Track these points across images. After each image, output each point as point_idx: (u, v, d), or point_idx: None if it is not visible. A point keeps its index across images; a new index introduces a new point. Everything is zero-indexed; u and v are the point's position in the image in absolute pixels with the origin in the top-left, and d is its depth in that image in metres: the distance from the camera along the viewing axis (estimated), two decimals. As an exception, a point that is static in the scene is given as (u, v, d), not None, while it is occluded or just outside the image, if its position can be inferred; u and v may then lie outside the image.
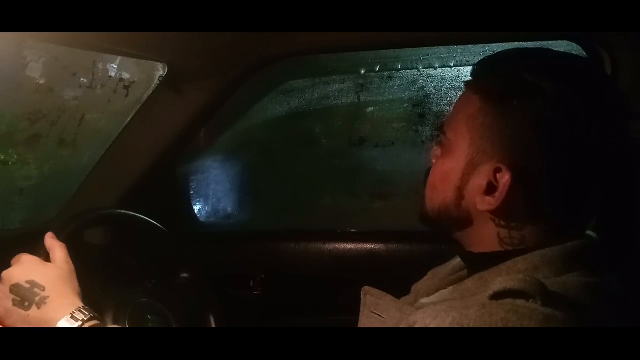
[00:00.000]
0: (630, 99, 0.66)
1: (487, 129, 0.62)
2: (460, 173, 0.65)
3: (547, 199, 0.61)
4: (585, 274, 0.60)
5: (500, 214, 0.63)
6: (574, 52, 1.10)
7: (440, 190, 0.68)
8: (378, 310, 0.77)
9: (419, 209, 0.72)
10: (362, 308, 0.79)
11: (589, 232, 0.66)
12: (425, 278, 0.82)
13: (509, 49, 0.68)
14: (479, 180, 0.63)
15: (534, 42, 1.05)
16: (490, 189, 0.62)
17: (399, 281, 0.81)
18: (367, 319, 0.77)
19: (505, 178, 0.60)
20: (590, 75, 0.64)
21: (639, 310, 0.63)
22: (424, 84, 1.53)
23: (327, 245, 1.36)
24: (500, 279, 0.57)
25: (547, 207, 0.62)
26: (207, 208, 1.68)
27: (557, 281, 0.58)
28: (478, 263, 0.66)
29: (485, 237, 0.65)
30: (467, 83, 0.68)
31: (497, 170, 0.61)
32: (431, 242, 1.28)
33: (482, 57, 0.68)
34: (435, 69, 1.51)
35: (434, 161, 0.70)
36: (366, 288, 0.81)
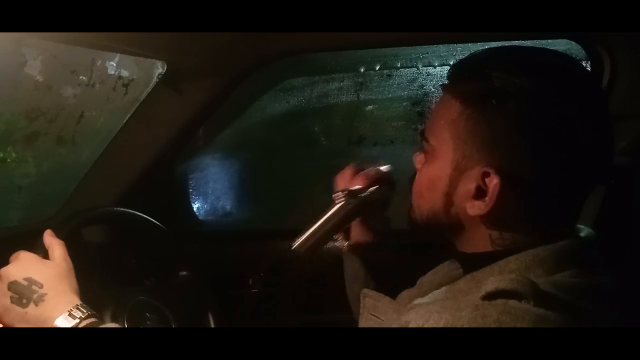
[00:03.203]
0: (630, 99, 0.66)
1: (470, 134, 0.61)
2: (447, 179, 0.63)
3: (538, 199, 0.60)
4: (577, 273, 0.59)
5: (491, 217, 0.61)
6: (572, 51, 1.10)
7: (427, 197, 0.66)
8: (377, 313, 0.76)
9: (407, 215, 0.71)
10: (361, 310, 0.79)
11: (583, 231, 0.66)
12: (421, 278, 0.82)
13: (486, 49, 0.66)
14: (468, 186, 0.62)
15: (534, 41, 1.05)
16: (480, 193, 0.61)
17: (398, 280, 0.81)
18: (366, 321, 0.77)
19: (494, 182, 0.59)
20: (570, 72, 0.62)
21: (633, 309, 0.62)
22: (423, 82, 1.53)
23: (325, 244, 1.36)
24: (492, 279, 0.56)
25: (538, 207, 0.61)
26: (206, 206, 1.68)
27: (549, 280, 0.57)
28: (470, 263, 0.65)
29: (477, 239, 0.64)
30: (444, 86, 0.65)
31: (485, 175, 0.60)
32: (429, 242, 1.28)
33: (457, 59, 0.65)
34: (435, 67, 1.51)
35: (418, 167, 0.69)
36: (365, 290, 0.81)
